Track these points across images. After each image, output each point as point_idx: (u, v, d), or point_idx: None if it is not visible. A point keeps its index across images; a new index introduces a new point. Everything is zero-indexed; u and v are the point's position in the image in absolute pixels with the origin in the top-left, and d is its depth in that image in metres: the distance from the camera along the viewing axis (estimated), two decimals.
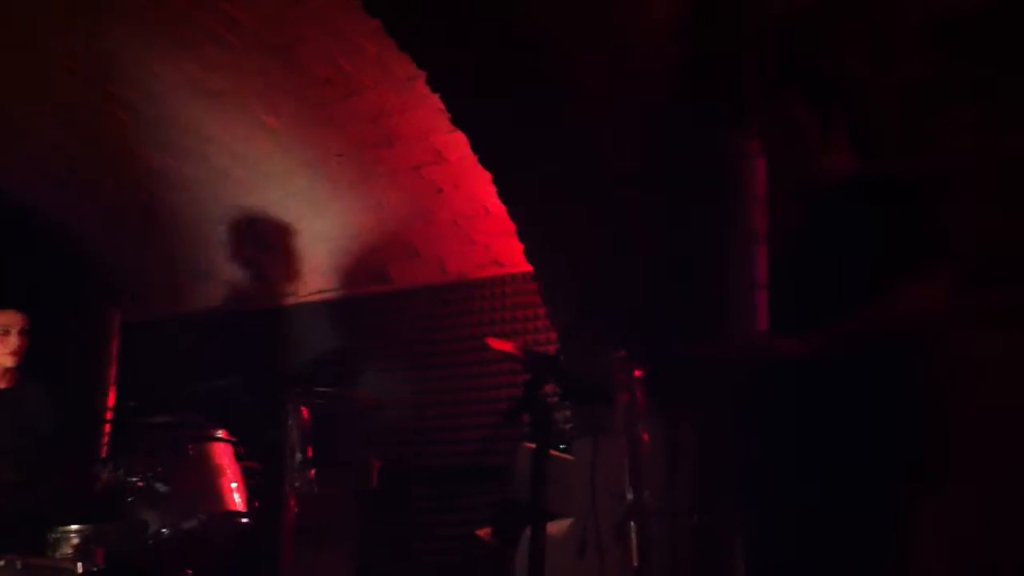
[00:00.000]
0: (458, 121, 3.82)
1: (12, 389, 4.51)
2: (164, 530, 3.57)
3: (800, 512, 2.39)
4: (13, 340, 4.47)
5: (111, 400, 6.31)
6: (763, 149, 2.76)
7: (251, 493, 3.84)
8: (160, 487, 3.63)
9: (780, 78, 2.71)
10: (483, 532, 4.02)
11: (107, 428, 5.89)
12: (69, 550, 3.64)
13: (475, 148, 3.82)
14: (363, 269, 5.56)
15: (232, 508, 3.74)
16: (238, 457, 3.88)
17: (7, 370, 4.50)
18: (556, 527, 3.09)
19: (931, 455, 2.35)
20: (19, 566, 3.42)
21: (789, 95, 2.58)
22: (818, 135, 2.55)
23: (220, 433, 3.88)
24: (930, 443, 2.35)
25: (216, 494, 3.73)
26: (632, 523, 2.43)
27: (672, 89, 3.38)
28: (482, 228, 5.08)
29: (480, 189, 4.72)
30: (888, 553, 2.29)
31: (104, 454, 5.67)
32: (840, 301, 2.36)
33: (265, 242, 5.70)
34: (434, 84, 3.76)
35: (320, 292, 5.76)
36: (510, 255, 4.84)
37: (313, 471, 3.68)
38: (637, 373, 2.50)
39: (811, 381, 2.36)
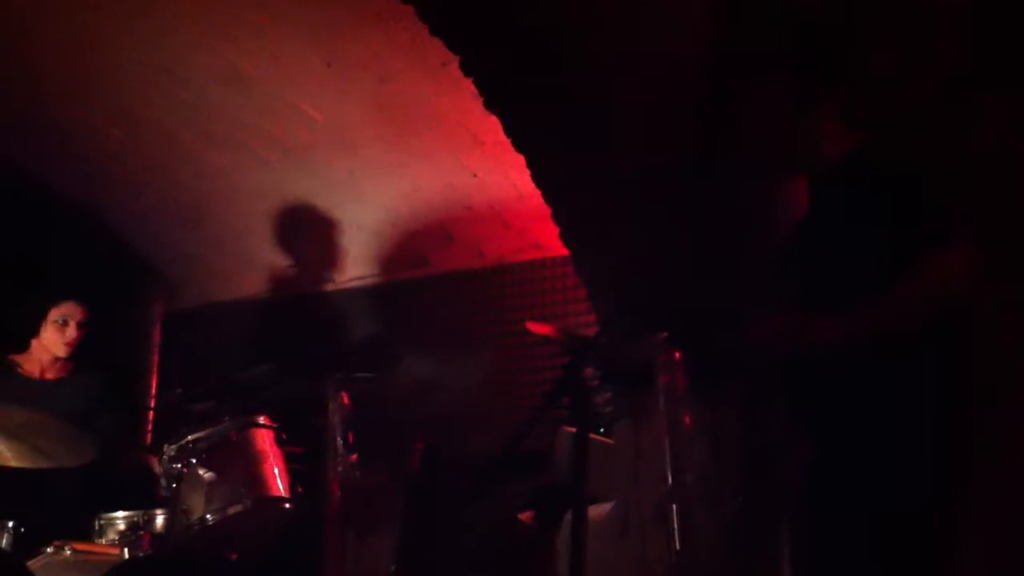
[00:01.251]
0: (490, 105, 3.81)
1: (63, 379, 4.53)
2: (208, 516, 3.60)
3: (839, 497, 2.36)
4: (71, 331, 4.43)
5: (153, 387, 6.37)
6: (777, 138, 2.72)
7: (293, 478, 3.85)
8: (204, 473, 3.66)
9: (798, 69, 2.67)
10: (524, 516, 4.02)
11: (151, 415, 5.94)
12: (115, 536, 3.69)
13: (508, 132, 3.82)
14: (401, 254, 5.58)
15: (275, 493, 3.76)
16: (280, 443, 3.89)
17: (57, 359, 4.51)
18: (597, 510, 3.08)
19: (961, 457, 2.32)
20: (67, 552, 3.47)
21: (805, 86, 2.55)
22: (834, 125, 2.52)
23: (262, 419, 3.90)
24: (958, 443, 2.31)
25: (259, 480, 3.75)
26: (673, 506, 2.41)
27: (690, 84, 3.35)
28: (518, 212, 5.07)
29: (516, 174, 4.71)
30: (935, 552, 2.26)
31: (148, 441, 5.73)
32: (848, 294, 2.33)
33: (305, 229, 5.72)
34: (466, 68, 3.76)
35: (360, 278, 5.79)
36: (548, 238, 4.83)
37: (355, 456, 3.69)
38: (677, 356, 2.48)
39: (844, 367, 2.33)
